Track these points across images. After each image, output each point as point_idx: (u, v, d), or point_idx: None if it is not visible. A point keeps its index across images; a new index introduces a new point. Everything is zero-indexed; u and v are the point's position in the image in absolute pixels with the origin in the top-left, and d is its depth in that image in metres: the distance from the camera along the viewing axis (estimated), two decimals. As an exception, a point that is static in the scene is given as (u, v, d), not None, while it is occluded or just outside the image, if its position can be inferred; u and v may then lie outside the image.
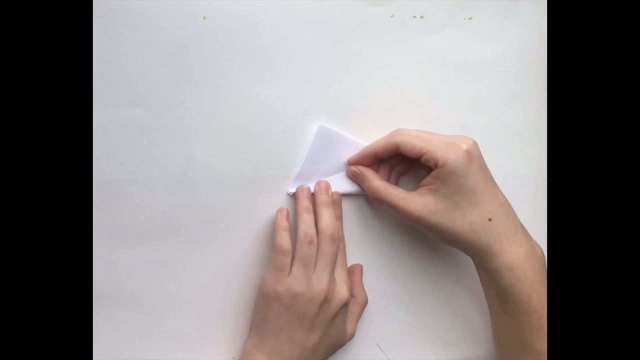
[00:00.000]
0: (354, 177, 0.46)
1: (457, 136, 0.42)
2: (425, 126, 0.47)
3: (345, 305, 0.42)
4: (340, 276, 0.43)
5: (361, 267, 0.47)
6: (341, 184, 0.46)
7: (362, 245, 0.48)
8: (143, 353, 0.45)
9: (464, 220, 0.41)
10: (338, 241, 0.43)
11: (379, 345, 0.49)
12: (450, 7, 0.47)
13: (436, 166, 0.41)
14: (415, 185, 0.44)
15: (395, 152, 0.43)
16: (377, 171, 0.46)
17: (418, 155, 0.41)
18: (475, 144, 0.42)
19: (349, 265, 0.46)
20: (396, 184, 0.47)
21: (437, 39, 0.47)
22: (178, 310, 0.45)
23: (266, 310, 0.41)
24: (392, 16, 0.46)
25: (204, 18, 0.43)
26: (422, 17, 0.46)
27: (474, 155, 0.41)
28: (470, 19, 0.47)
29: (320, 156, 0.46)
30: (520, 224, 0.42)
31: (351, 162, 0.46)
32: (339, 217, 0.45)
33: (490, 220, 0.41)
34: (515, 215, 0.42)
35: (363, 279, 0.47)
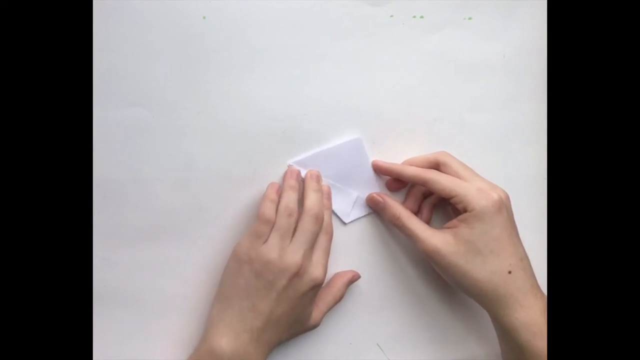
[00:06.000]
0: (374, 206, 0.46)
1: (492, 185, 0.42)
2: (425, 126, 0.47)
3: (316, 287, 0.42)
4: (319, 258, 0.42)
5: (357, 275, 0.47)
6: (334, 196, 0.46)
7: (362, 246, 0.48)
8: (143, 353, 0.45)
9: (483, 268, 0.41)
10: (321, 222, 0.42)
11: (379, 345, 0.49)
12: (450, 7, 0.47)
13: (465, 210, 0.41)
14: (443, 223, 0.44)
15: (421, 185, 0.44)
16: (405, 199, 0.47)
17: (448, 197, 0.42)
18: (507, 197, 0.42)
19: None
20: (430, 216, 0.47)
21: (437, 39, 0.47)
22: (178, 310, 0.45)
23: (236, 275, 0.41)
24: (391, 16, 0.46)
25: (204, 18, 0.42)
26: (422, 17, 0.46)
27: (503, 206, 0.41)
28: (470, 18, 0.47)
29: (333, 159, 0.46)
30: (536, 280, 0.42)
31: (375, 166, 0.46)
32: (328, 208, 0.45)
33: (509, 273, 0.41)
34: (532, 272, 0.42)
35: (364, 280, 0.47)
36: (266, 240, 0.41)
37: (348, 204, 0.46)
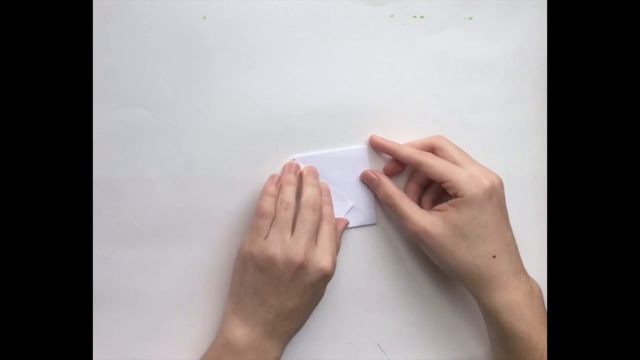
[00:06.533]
0: (368, 182, 0.46)
1: (486, 170, 0.43)
2: (425, 126, 0.47)
3: (326, 276, 0.41)
4: (325, 247, 0.42)
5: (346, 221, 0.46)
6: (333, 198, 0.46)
7: (362, 245, 0.48)
8: (143, 353, 0.45)
9: (468, 251, 0.41)
10: (319, 212, 0.42)
11: (379, 345, 0.49)
12: (451, 7, 0.47)
13: (456, 195, 0.41)
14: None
15: (415, 167, 0.44)
16: (405, 188, 0.47)
17: (440, 181, 0.42)
18: (500, 183, 0.42)
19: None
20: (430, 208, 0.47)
21: (438, 39, 0.47)
22: (178, 310, 0.45)
23: (242, 273, 0.42)
24: (392, 16, 0.46)
25: (204, 18, 0.43)
26: (422, 17, 0.46)
27: (494, 193, 0.41)
28: (470, 18, 0.47)
29: (336, 164, 0.46)
30: (522, 265, 0.43)
31: (372, 142, 0.46)
32: (327, 203, 0.45)
33: (494, 257, 0.41)
34: (518, 256, 0.43)
35: (364, 280, 0.47)
36: (267, 236, 0.41)
37: (342, 211, 0.46)
